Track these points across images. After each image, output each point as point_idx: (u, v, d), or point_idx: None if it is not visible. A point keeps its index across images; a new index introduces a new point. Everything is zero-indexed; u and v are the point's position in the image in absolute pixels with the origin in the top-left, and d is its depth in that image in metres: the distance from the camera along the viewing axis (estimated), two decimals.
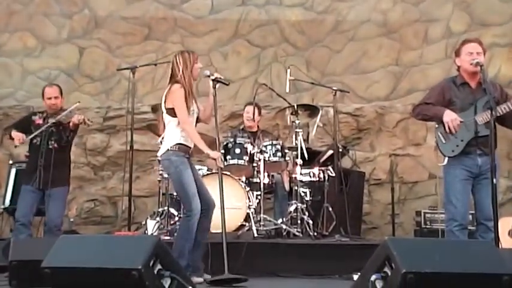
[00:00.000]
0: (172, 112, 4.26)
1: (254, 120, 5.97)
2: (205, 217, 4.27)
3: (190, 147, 4.28)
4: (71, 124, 5.12)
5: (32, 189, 5.15)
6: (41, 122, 5.23)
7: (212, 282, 4.05)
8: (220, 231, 4.24)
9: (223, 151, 5.20)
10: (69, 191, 5.42)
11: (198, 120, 4.40)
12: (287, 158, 5.63)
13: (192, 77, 4.31)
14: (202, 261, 4.32)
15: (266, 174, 5.54)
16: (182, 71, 4.26)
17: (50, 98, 5.25)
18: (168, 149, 4.26)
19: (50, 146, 5.15)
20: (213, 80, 4.27)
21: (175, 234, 4.52)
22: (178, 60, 4.30)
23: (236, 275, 4.03)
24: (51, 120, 5.15)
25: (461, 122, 4.14)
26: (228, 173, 5.27)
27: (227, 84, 4.37)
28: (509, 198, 6.64)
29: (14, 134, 5.17)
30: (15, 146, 5.24)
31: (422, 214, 6.09)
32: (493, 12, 7.16)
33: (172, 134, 4.28)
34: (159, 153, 4.44)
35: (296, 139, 5.58)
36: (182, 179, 4.21)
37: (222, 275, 4.01)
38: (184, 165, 4.23)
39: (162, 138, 5.46)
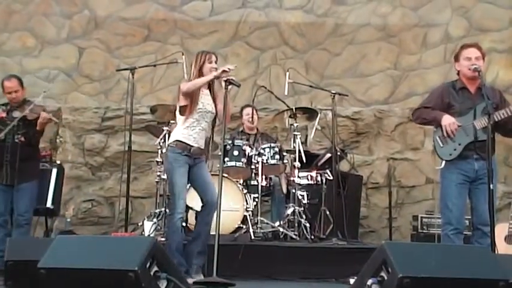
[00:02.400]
0: (180, 110, 4.34)
1: (253, 122, 5.98)
2: (204, 212, 4.35)
3: (190, 145, 4.30)
4: (37, 125, 4.96)
5: (2, 188, 5.00)
6: (4, 115, 5.06)
7: (197, 284, 4.03)
8: (218, 233, 4.22)
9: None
10: (38, 186, 5.21)
11: (215, 120, 4.42)
12: (285, 161, 5.63)
13: (203, 76, 4.33)
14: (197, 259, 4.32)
15: (264, 176, 5.54)
16: (192, 70, 4.38)
17: (10, 93, 5.08)
18: (168, 145, 4.40)
19: (16, 140, 4.99)
20: (225, 81, 4.28)
21: None
22: (192, 60, 4.43)
23: (224, 279, 3.96)
24: (15, 115, 4.99)
25: (459, 126, 4.15)
26: (226, 175, 5.26)
27: (238, 86, 4.38)
28: (506, 204, 6.64)
29: None
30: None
31: (419, 218, 6.09)
32: (491, 18, 7.18)
33: (175, 131, 4.40)
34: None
35: (294, 142, 5.58)
36: (171, 176, 4.32)
37: (209, 278, 3.98)
38: (177, 162, 4.28)
39: (160, 139, 5.51)
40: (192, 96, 4.28)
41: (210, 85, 4.41)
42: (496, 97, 4.24)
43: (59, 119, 5.27)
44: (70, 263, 3.17)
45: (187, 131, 4.32)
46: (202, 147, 4.39)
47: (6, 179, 4.98)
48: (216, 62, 4.39)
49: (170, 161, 4.33)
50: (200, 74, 4.35)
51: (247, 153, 5.47)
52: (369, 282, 3.11)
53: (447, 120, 4.16)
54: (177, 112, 4.39)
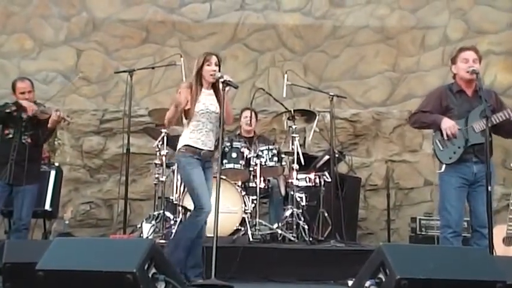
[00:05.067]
0: (184, 113, 4.33)
1: (252, 125, 5.98)
2: None
3: (200, 149, 4.27)
4: (49, 123, 4.98)
5: (0, 185, 4.98)
6: (15, 114, 5.04)
7: (196, 287, 4.03)
8: (216, 235, 4.22)
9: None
10: (38, 188, 5.20)
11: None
12: (283, 163, 5.64)
13: (203, 78, 4.32)
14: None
15: (262, 178, 5.54)
16: (194, 72, 4.35)
17: (23, 93, 5.09)
18: (178, 150, 4.34)
19: (24, 141, 4.99)
20: (222, 82, 4.26)
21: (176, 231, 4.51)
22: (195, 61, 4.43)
23: (223, 281, 3.95)
24: (24, 115, 4.99)
25: (458, 129, 4.15)
26: (224, 177, 5.26)
27: (236, 88, 4.36)
28: (504, 206, 6.64)
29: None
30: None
31: (418, 220, 6.10)
32: (489, 20, 7.20)
33: (183, 135, 4.36)
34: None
35: (292, 144, 5.58)
36: (189, 180, 4.27)
37: (207, 280, 3.98)
38: (191, 165, 4.25)
39: (159, 141, 5.52)
40: (190, 101, 4.26)
41: (214, 85, 4.36)
42: (492, 99, 4.24)
43: (72, 120, 5.32)
44: (68, 265, 3.17)
45: (194, 134, 4.29)
46: (212, 149, 4.34)
47: (9, 179, 4.95)
48: (217, 64, 4.33)
49: (183, 166, 4.28)
50: (199, 76, 4.32)
51: (245, 156, 5.47)
52: (367, 284, 3.11)
53: (447, 123, 4.15)
54: (182, 115, 4.35)
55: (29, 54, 7.19)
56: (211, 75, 4.29)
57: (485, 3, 7.25)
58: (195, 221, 4.25)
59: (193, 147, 4.28)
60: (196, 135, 4.29)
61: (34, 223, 5.72)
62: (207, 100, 4.32)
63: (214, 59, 4.33)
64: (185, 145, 4.29)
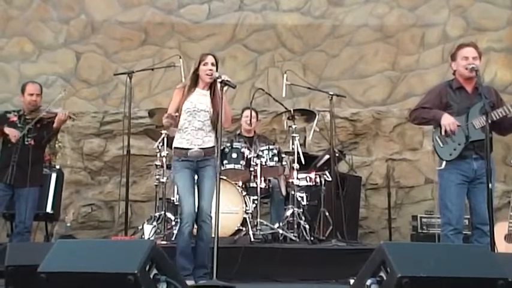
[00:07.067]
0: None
1: (252, 125, 5.98)
2: (197, 224, 4.27)
3: (185, 149, 4.25)
4: (55, 122, 5.01)
5: (2, 188, 4.98)
6: (15, 119, 5.10)
7: (198, 287, 4.03)
8: (217, 236, 4.22)
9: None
10: (39, 191, 5.20)
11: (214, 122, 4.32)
12: (284, 163, 5.64)
13: (200, 78, 4.32)
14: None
15: (263, 178, 5.54)
16: (190, 73, 4.37)
17: (32, 95, 5.14)
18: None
19: (26, 143, 5.01)
20: (220, 82, 4.26)
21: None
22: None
23: (224, 282, 3.96)
24: (29, 117, 5.03)
25: (458, 126, 4.15)
26: (225, 178, 5.27)
27: (234, 87, 4.35)
28: (506, 203, 6.64)
29: (8, 129, 5.00)
30: (8, 145, 5.02)
31: (419, 219, 6.11)
32: (488, 18, 7.19)
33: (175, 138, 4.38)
34: None
35: (293, 144, 5.59)
36: (175, 183, 4.35)
37: (209, 281, 3.99)
38: (176, 169, 4.29)
39: (159, 143, 5.52)
40: (183, 100, 4.29)
41: (211, 87, 4.35)
42: (492, 96, 4.25)
43: (76, 117, 5.36)
44: (70, 267, 3.17)
45: (180, 134, 4.30)
46: (203, 146, 4.26)
47: (11, 179, 4.96)
48: (214, 64, 4.31)
49: (172, 170, 4.35)
50: (195, 76, 4.33)
51: (245, 156, 5.47)
52: (368, 282, 3.11)
53: (447, 119, 4.15)
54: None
55: (29, 58, 7.20)
56: (207, 74, 4.29)
57: (485, 0, 7.24)
58: (180, 227, 4.28)
59: (179, 148, 4.28)
60: (181, 135, 4.29)
61: (36, 226, 5.74)
62: (196, 99, 4.30)
63: (210, 58, 4.32)
64: (174, 147, 4.34)
